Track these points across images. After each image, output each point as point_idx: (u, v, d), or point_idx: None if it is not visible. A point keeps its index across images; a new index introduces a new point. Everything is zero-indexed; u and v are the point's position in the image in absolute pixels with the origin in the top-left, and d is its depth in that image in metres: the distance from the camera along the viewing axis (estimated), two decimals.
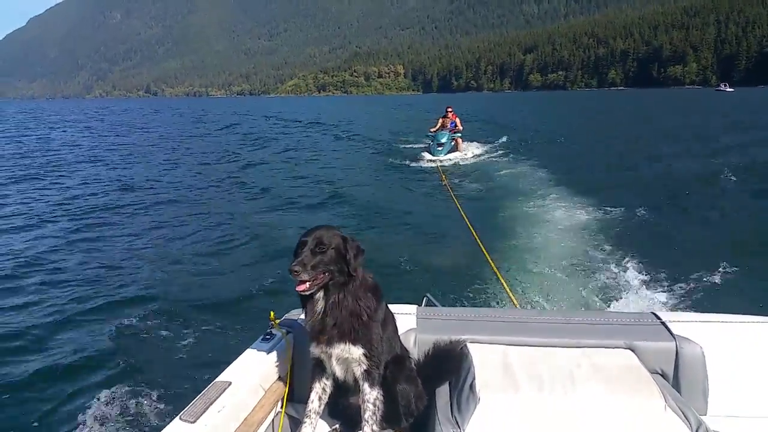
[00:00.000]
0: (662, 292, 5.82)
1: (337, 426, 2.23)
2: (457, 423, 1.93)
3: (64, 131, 39.35)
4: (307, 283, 1.92)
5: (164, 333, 5.41)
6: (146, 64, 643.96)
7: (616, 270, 6.53)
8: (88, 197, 13.15)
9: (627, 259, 6.92)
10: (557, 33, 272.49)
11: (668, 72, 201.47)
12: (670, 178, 13.79)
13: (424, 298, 3.84)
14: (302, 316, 2.26)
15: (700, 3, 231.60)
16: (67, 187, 14.55)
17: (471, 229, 7.55)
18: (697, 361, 2.16)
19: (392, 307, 2.28)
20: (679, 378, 2.17)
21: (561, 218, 9.55)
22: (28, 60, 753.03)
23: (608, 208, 9.96)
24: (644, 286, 5.96)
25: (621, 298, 5.64)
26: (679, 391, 2.13)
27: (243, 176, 16.18)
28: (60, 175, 16.87)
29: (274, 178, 15.88)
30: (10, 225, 10.50)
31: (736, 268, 6.40)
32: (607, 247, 7.59)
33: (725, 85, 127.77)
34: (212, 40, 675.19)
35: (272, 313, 2.47)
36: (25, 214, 11.45)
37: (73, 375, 4.70)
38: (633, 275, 6.34)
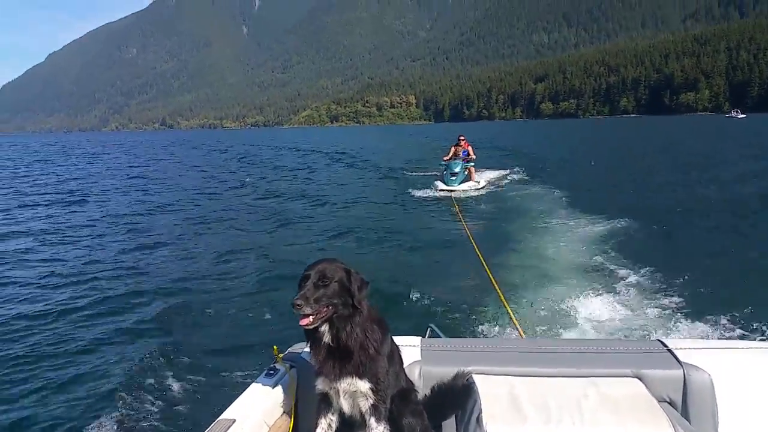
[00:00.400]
0: (669, 319, 5.79)
1: None
2: None
3: (89, 163, 40.51)
4: (311, 317, 1.91)
5: (167, 368, 5.32)
6: (161, 98, 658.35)
7: (622, 298, 6.50)
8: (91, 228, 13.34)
9: (633, 286, 6.91)
10: (568, 62, 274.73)
11: (680, 99, 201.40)
12: (681, 204, 13.79)
13: (428, 329, 3.81)
14: (306, 349, 2.26)
15: (710, 31, 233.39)
16: (69, 221, 14.64)
17: (481, 258, 7.53)
18: (706, 389, 2.13)
19: (396, 339, 2.26)
20: (687, 406, 2.15)
21: (569, 248, 9.56)
22: (46, 94, 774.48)
23: (614, 239, 9.92)
24: (651, 314, 5.94)
25: (627, 326, 5.62)
26: (688, 420, 2.11)
27: (258, 205, 16.38)
28: (78, 206, 17.30)
29: (286, 206, 16.08)
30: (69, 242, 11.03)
31: (743, 296, 6.31)
32: (613, 275, 7.57)
33: (737, 112, 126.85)
34: (226, 73, 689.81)
35: (275, 348, 2.47)
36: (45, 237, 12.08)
37: (70, 411, 4.63)
38: (639, 303, 6.33)
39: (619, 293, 6.67)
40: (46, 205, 17.39)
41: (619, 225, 10.92)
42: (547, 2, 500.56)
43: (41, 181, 26.26)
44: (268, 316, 6.55)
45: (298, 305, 1.88)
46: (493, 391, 2.12)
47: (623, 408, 1.97)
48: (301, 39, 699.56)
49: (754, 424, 2.10)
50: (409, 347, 2.45)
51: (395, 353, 2.13)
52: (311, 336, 2.01)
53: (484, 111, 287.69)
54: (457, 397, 2.16)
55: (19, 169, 36.34)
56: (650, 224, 11.13)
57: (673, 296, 6.51)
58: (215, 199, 18.42)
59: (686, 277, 7.20)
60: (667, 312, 6.03)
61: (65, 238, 11.89)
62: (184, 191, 20.39)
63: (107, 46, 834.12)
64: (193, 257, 10.18)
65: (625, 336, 5.23)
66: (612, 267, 7.99)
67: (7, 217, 15.19)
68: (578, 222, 11.85)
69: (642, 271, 7.50)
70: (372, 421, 1.99)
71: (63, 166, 38.52)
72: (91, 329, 6.47)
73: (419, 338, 2.56)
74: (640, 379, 2.16)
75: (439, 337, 3.38)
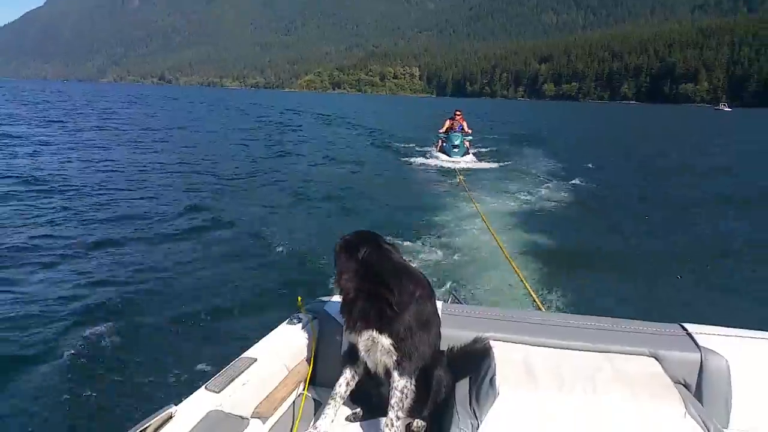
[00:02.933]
0: (691, 303, 6.01)
1: (359, 410, 2.26)
2: (474, 415, 1.96)
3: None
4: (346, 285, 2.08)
5: (192, 307, 5.68)
6: (161, 52, 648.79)
7: (643, 279, 6.71)
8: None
9: (654, 269, 7.18)
10: (573, 44, 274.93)
11: (680, 89, 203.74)
12: (686, 194, 14.38)
13: (451, 295, 3.91)
14: (333, 299, 2.44)
15: (716, 24, 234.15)
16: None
17: (491, 231, 7.62)
18: (722, 373, 2.15)
19: None
20: (702, 389, 2.17)
21: (581, 224, 10.11)
22: (43, 41, 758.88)
23: (633, 221, 10.53)
24: (673, 298, 6.15)
25: (648, 307, 5.73)
26: (701, 403, 2.11)
27: (276, 167, 16.57)
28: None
29: (306, 173, 15.96)
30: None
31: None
32: (634, 255, 7.91)
33: (724, 105, 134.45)
34: (229, 31, 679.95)
35: (300, 298, 2.55)
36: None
37: (106, 338, 4.86)
38: (662, 285, 6.56)
39: (640, 275, 6.87)
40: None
41: (637, 208, 11.73)
42: None
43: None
44: (297, 270, 6.88)
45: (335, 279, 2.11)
46: (509, 357, 2.16)
47: (637, 384, 2.00)
48: (308, 2, 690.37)
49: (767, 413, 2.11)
50: None
51: (433, 323, 2.16)
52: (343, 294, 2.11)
53: (486, 88, 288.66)
54: (474, 360, 2.22)
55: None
56: (675, 209, 11.77)
57: (697, 281, 6.75)
58: (237, 160, 18.32)
59: (712, 263, 7.51)
60: (690, 296, 6.25)
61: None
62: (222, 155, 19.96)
63: None
64: (232, 206, 10.77)
65: (646, 318, 6.22)
66: (632, 249, 8.38)
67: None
68: (590, 203, 12.48)
69: (664, 254, 7.83)
70: (395, 374, 2.04)
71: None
72: (131, 270, 6.83)
73: (440, 302, 2.58)
74: (656, 358, 2.19)
75: (460, 303, 3.45)
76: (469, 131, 19.29)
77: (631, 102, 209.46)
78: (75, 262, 7.12)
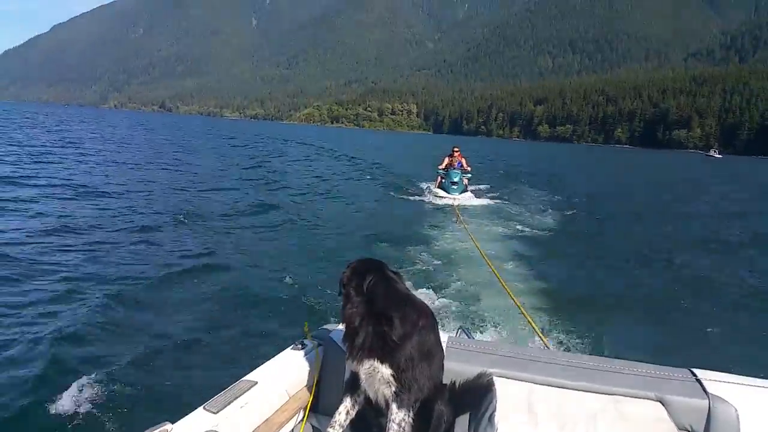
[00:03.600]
0: (701, 349, 5.96)
1: None
2: None
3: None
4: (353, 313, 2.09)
5: (196, 329, 5.80)
6: (163, 80, 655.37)
7: (653, 322, 6.70)
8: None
9: (663, 312, 7.15)
10: (569, 88, 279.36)
11: (673, 135, 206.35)
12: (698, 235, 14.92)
13: (459, 330, 3.93)
14: (338, 328, 2.39)
15: (708, 72, 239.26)
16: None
17: (491, 267, 7.61)
18: (730, 423, 2.08)
19: None
20: None
21: (582, 263, 10.15)
22: (46, 66, 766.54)
23: (635, 261, 10.60)
24: (683, 342, 6.08)
25: (656, 351, 5.70)
26: None
27: (279, 200, 16.80)
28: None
29: (308, 206, 16.17)
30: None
31: None
32: (639, 296, 7.91)
33: (715, 152, 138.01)
34: (231, 63, 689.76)
35: (306, 324, 2.52)
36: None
37: (106, 355, 4.92)
38: (671, 329, 6.54)
39: (650, 318, 6.85)
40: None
41: (643, 251, 11.85)
42: (556, 27, 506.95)
43: None
44: (304, 295, 7.04)
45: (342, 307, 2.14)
46: (511, 394, 2.12)
47: (640, 428, 1.94)
48: (310, 37, 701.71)
49: None
50: None
51: (435, 354, 2.15)
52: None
53: (482, 127, 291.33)
54: (476, 395, 2.19)
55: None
56: (678, 251, 12.00)
57: (707, 327, 6.66)
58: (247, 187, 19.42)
59: (723, 309, 7.41)
60: (700, 342, 6.19)
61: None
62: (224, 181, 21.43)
63: (114, 24, 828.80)
64: (239, 228, 11.57)
65: (652, 361, 5.80)
66: (636, 289, 8.43)
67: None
68: (589, 242, 12.66)
69: (673, 297, 7.75)
70: (394, 406, 2.02)
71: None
72: (125, 287, 7.02)
73: (447, 335, 2.57)
74: (662, 403, 2.14)
75: (468, 337, 3.44)
76: (468, 168, 19.46)
77: (625, 146, 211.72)
78: (82, 275, 7.41)
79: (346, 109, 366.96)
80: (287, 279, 7.81)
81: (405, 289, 2.14)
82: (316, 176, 25.15)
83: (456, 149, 19.64)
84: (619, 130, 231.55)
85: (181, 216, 12.47)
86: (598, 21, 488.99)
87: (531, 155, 75.54)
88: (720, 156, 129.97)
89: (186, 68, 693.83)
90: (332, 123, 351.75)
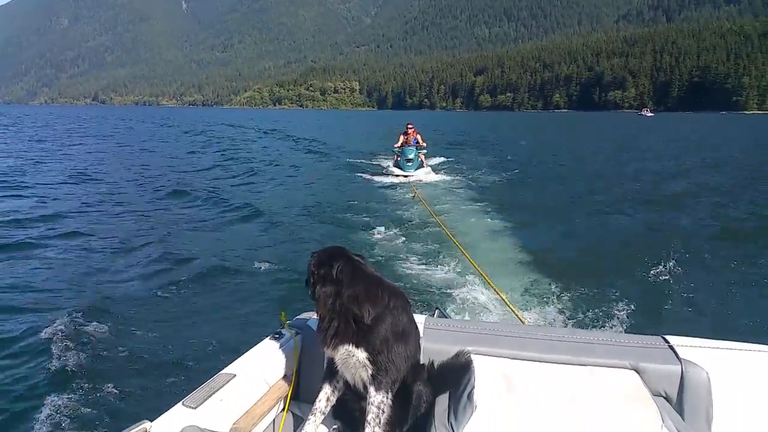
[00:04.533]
0: (674, 315, 5.97)
1: (339, 425, 2.25)
2: (452, 429, 1.95)
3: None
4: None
5: (173, 320, 5.76)
6: (94, 72, 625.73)
7: (626, 291, 6.52)
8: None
9: (638, 280, 7.05)
10: (506, 57, 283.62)
11: (608, 96, 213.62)
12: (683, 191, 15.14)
13: (436, 310, 3.91)
14: (314, 317, 2.36)
15: (638, 33, 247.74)
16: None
17: (457, 244, 7.43)
18: (702, 385, 2.14)
19: None
20: (683, 402, 2.17)
21: (546, 232, 9.98)
22: None
23: (611, 225, 10.64)
24: (656, 310, 6.07)
25: (631, 320, 5.71)
26: (682, 416, 2.12)
27: (231, 187, 16.41)
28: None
29: (271, 194, 15.54)
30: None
31: (752, 297, 6.61)
32: (611, 265, 7.74)
33: (646, 110, 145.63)
34: (164, 49, 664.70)
35: (283, 314, 2.51)
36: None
37: (80, 358, 4.79)
38: (645, 297, 6.43)
39: (621, 287, 6.71)
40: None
41: (613, 213, 11.84)
42: None
43: None
44: (280, 286, 6.88)
45: (310, 295, 2.11)
46: (489, 371, 2.15)
47: (615, 397, 2.00)
48: (243, 18, 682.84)
49: (748, 424, 2.11)
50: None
51: (410, 333, 2.15)
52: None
53: (425, 100, 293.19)
54: (454, 374, 2.21)
55: None
56: (646, 213, 12.05)
57: (681, 293, 6.61)
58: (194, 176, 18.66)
59: (696, 274, 7.32)
60: (673, 308, 6.17)
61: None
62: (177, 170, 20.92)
63: (37, 15, 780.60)
64: (201, 222, 11.18)
65: (628, 330, 5.37)
66: (607, 257, 8.30)
67: None
68: (552, 209, 12.43)
69: (647, 265, 7.57)
70: (371, 389, 2.04)
71: None
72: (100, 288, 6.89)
73: (424, 316, 2.59)
74: (637, 371, 2.20)
75: (445, 317, 3.48)
76: (424, 144, 19.14)
77: (563, 110, 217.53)
78: (50, 270, 7.42)
79: (288, 90, 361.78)
80: (259, 268, 7.61)
81: (372, 271, 2.15)
82: (270, 161, 24.64)
83: (410, 126, 19.42)
84: (557, 95, 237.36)
85: (138, 210, 12.20)
86: None
87: (476, 125, 75.92)
88: (651, 114, 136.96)
89: (117, 58, 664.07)
90: (274, 105, 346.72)
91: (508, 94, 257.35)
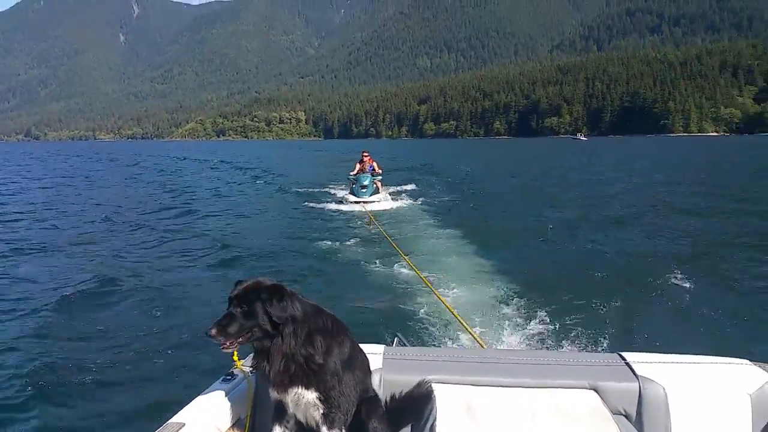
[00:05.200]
0: (629, 332, 6.03)
1: None
2: None
3: None
4: (227, 342, 1.92)
5: (116, 367, 5.38)
6: (26, 107, 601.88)
7: (581, 309, 6.58)
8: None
9: (593, 297, 7.02)
10: (448, 86, 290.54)
11: (545, 123, 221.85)
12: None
13: (395, 339, 3.83)
14: None
15: (571, 62, 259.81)
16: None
17: (414, 268, 7.44)
18: (660, 401, 2.16)
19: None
20: (642, 419, 2.17)
21: (508, 257, 9.80)
22: None
23: (561, 249, 10.63)
24: (612, 327, 6.04)
25: (587, 339, 5.73)
26: None
27: (174, 222, 15.69)
28: None
29: (215, 225, 14.89)
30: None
31: (704, 310, 6.72)
32: (566, 285, 7.72)
33: (581, 134, 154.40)
34: (100, 82, 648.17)
35: (236, 353, 2.27)
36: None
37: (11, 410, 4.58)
38: (600, 314, 6.47)
39: (577, 305, 6.76)
40: None
41: (562, 237, 11.80)
42: (430, 29, 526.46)
43: None
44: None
45: (211, 335, 1.90)
46: (450, 400, 2.11)
47: (577, 419, 1.99)
48: (183, 49, 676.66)
49: None
50: (372, 355, 2.39)
51: (356, 358, 2.08)
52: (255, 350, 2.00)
53: (372, 129, 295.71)
54: (416, 406, 2.15)
55: None
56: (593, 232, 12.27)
57: (634, 310, 6.71)
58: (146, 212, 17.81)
59: (648, 290, 7.43)
60: (628, 325, 6.22)
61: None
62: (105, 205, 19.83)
63: None
64: (150, 255, 10.87)
65: (585, 349, 5.43)
66: (561, 279, 8.26)
67: None
68: (507, 234, 12.39)
69: (602, 283, 7.70)
70: (324, 429, 1.96)
71: None
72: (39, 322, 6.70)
73: (383, 346, 2.55)
74: (596, 391, 2.19)
75: (404, 346, 3.41)
76: (380, 171, 19.35)
77: (504, 137, 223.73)
78: None
79: (232, 122, 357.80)
80: (208, 304, 7.23)
81: (308, 301, 2.04)
82: (218, 193, 24.09)
83: (365, 154, 19.67)
84: (497, 122, 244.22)
85: (83, 244, 11.94)
86: (468, 20, 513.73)
87: (424, 152, 77.26)
88: (585, 138, 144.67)
89: (51, 92, 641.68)
90: (218, 137, 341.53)
91: (452, 122, 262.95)
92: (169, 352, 5.81)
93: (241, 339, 1.93)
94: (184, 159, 59.04)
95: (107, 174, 38.64)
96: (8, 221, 16.04)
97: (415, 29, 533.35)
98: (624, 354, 2.40)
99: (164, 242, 12.42)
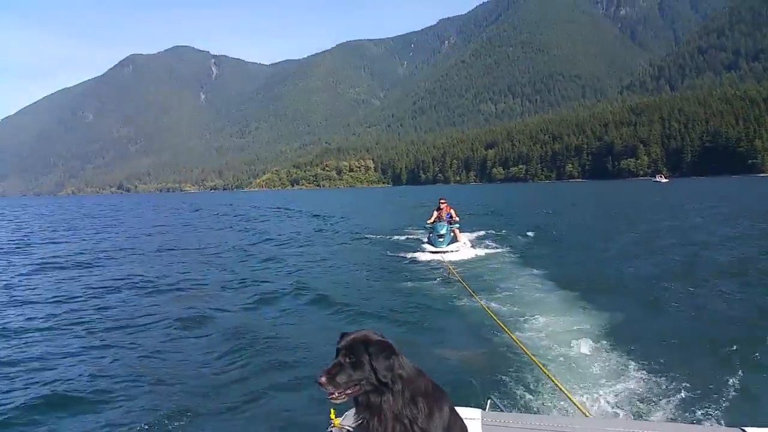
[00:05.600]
0: (749, 403, 5.45)
1: None
2: None
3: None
4: (336, 393, 1.89)
5: (204, 420, 5.37)
6: (118, 162, 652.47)
7: (695, 376, 5.95)
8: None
9: (707, 362, 6.50)
10: (515, 130, 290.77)
11: (622, 164, 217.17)
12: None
13: (489, 401, 3.70)
14: None
15: (644, 102, 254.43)
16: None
17: (503, 327, 6.92)
18: None
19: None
20: None
21: (612, 314, 8.66)
22: None
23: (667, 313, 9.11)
24: (729, 397, 5.52)
25: (705, 409, 5.24)
26: None
27: (258, 270, 15.62)
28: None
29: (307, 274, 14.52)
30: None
31: None
32: (678, 347, 7.06)
33: (661, 176, 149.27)
34: (184, 138, 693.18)
35: (332, 411, 2.23)
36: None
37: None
38: (716, 382, 5.82)
39: (694, 370, 6.16)
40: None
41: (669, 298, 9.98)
42: (492, 75, 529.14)
43: None
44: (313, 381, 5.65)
45: (321, 383, 1.88)
46: None
47: None
48: (258, 106, 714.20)
49: None
50: (469, 420, 2.25)
51: (455, 425, 2.01)
52: (355, 405, 1.96)
53: (439, 175, 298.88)
54: None
55: None
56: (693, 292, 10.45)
57: (759, 379, 6.00)
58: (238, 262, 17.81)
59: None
60: (752, 396, 5.60)
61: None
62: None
63: (63, 111, 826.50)
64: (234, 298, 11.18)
65: (703, 421, 4.95)
66: (675, 338, 7.47)
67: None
68: (599, 283, 11.38)
69: (720, 343, 6.99)
70: None
71: None
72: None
73: (479, 411, 2.41)
74: None
75: (500, 410, 3.27)
76: (457, 219, 18.85)
77: (578, 180, 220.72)
78: None
79: (305, 171, 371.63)
80: (300, 356, 7.07)
81: (409, 362, 1.98)
82: (297, 240, 23.87)
83: (443, 201, 19.15)
84: (570, 165, 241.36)
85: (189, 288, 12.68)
86: (532, 65, 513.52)
87: (497, 197, 75.80)
88: (666, 180, 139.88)
89: (140, 147, 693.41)
90: (292, 186, 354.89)
91: (521, 166, 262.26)
92: (263, 403, 5.78)
93: (350, 391, 1.89)
94: (278, 208, 60.07)
95: (205, 222, 40.56)
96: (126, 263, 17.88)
97: (477, 77, 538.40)
98: (747, 429, 2.23)
99: (247, 285, 12.90)
